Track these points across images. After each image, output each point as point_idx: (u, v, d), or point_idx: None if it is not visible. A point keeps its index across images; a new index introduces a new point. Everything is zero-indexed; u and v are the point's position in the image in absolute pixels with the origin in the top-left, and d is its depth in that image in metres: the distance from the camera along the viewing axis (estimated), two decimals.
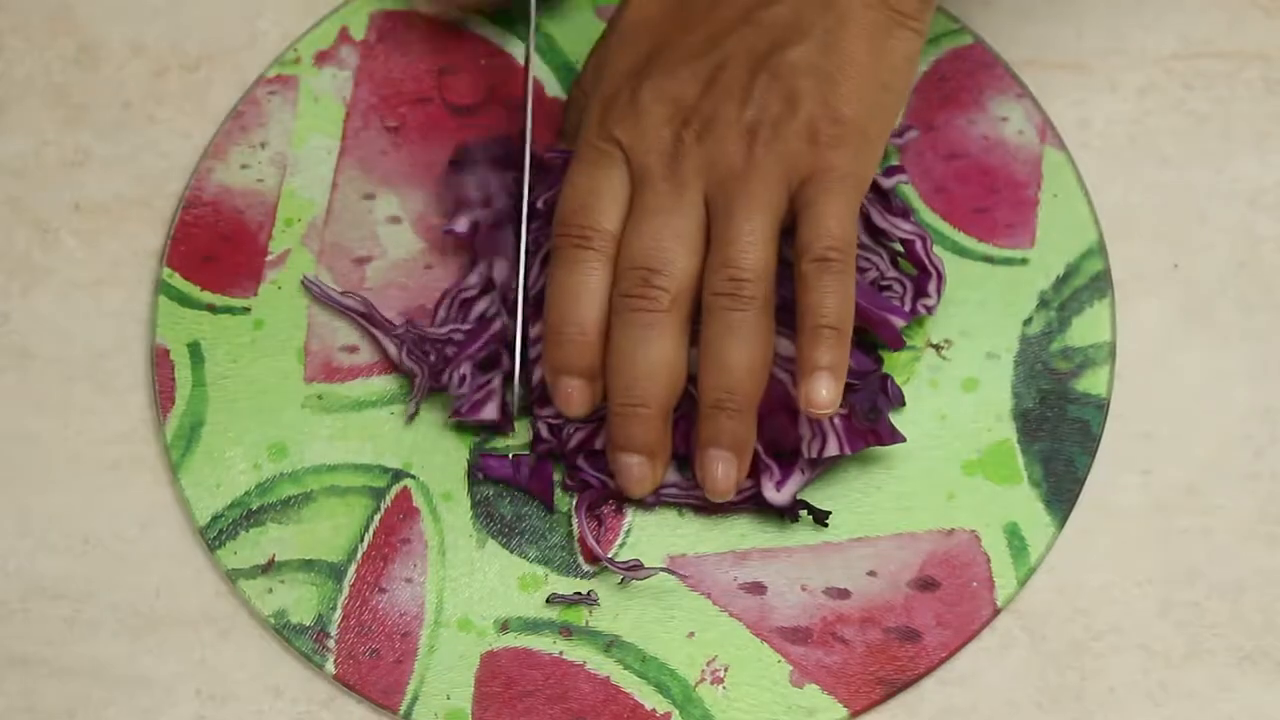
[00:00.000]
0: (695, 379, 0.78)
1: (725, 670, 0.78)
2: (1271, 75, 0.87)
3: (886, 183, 0.83)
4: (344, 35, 0.89)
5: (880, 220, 0.82)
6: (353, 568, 0.80)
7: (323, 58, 0.88)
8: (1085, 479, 0.81)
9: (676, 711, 0.78)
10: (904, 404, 0.81)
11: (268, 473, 0.81)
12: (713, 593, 0.79)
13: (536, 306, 0.81)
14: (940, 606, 0.79)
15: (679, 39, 0.80)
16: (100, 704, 0.79)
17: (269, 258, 0.85)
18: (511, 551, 0.80)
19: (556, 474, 0.81)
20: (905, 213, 0.83)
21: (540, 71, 0.88)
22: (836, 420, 0.79)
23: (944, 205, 0.85)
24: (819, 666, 0.78)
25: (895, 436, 0.79)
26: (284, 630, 0.79)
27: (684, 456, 0.80)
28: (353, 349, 0.83)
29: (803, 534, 0.80)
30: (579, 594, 0.79)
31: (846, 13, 0.78)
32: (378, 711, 0.78)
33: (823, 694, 0.78)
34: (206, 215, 0.85)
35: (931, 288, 0.82)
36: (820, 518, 0.80)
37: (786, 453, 0.80)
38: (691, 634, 0.79)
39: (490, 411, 0.81)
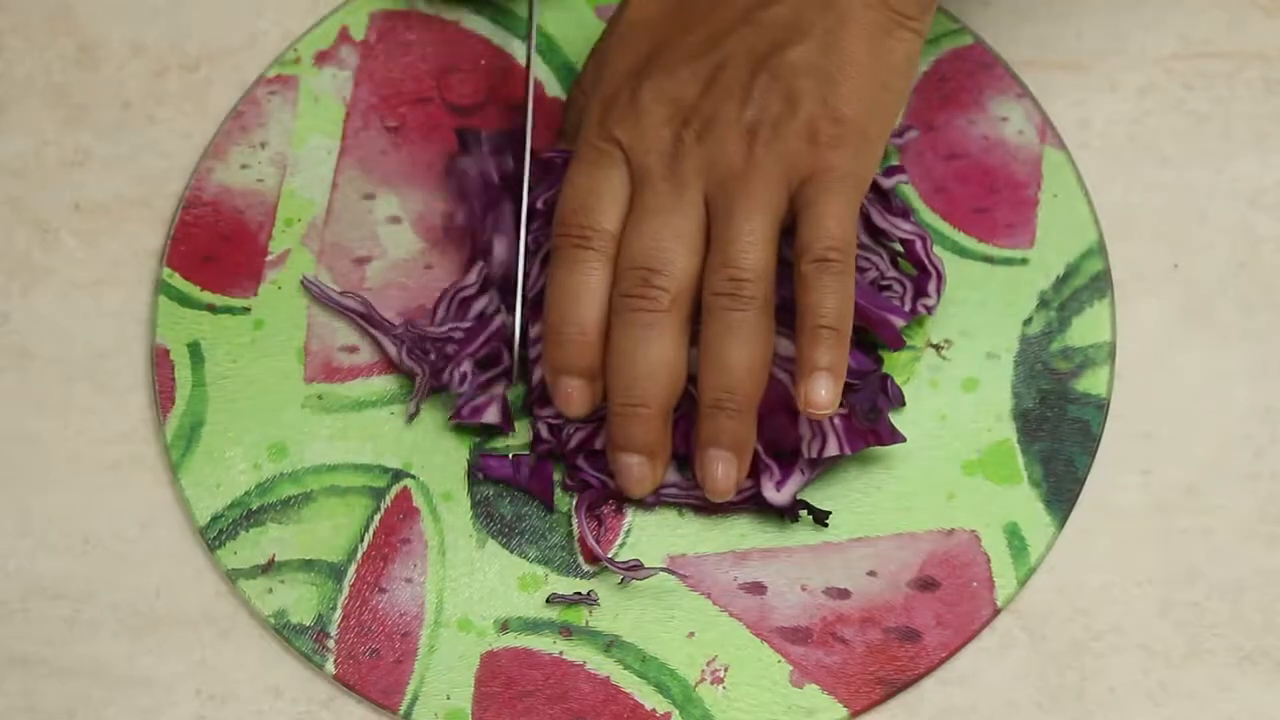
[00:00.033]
0: (695, 379, 0.78)
1: (725, 670, 0.78)
2: (1271, 75, 0.87)
3: (886, 183, 0.83)
4: (344, 35, 0.89)
5: (880, 220, 0.82)
6: (353, 568, 0.80)
7: (323, 58, 0.88)
8: (1085, 479, 0.81)
9: (676, 711, 0.78)
10: (904, 404, 0.81)
11: (268, 473, 0.81)
12: (713, 593, 0.79)
13: (536, 306, 0.81)
14: (940, 606, 0.79)
15: (679, 39, 0.80)
16: (100, 704, 0.79)
17: (269, 258, 0.85)
18: (511, 551, 0.80)
19: (556, 474, 0.81)
20: (905, 213, 0.83)
21: (540, 71, 0.88)
22: (836, 420, 0.79)
23: (944, 205, 0.85)
24: (819, 666, 0.78)
25: (895, 436, 0.79)
26: (284, 630, 0.79)
27: (684, 456, 0.80)
28: (353, 349, 0.83)
29: (803, 534, 0.80)
30: (579, 594, 0.79)
31: (846, 13, 0.78)
32: (378, 711, 0.78)
33: (823, 694, 0.78)
34: (206, 215, 0.85)
35: (931, 288, 0.82)
36: (820, 518, 0.80)
37: (786, 453, 0.80)
38: (691, 634, 0.79)
39: (491, 414, 0.81)
